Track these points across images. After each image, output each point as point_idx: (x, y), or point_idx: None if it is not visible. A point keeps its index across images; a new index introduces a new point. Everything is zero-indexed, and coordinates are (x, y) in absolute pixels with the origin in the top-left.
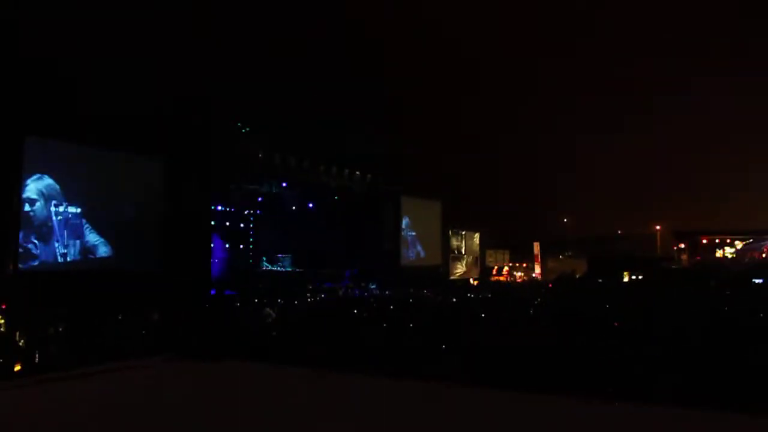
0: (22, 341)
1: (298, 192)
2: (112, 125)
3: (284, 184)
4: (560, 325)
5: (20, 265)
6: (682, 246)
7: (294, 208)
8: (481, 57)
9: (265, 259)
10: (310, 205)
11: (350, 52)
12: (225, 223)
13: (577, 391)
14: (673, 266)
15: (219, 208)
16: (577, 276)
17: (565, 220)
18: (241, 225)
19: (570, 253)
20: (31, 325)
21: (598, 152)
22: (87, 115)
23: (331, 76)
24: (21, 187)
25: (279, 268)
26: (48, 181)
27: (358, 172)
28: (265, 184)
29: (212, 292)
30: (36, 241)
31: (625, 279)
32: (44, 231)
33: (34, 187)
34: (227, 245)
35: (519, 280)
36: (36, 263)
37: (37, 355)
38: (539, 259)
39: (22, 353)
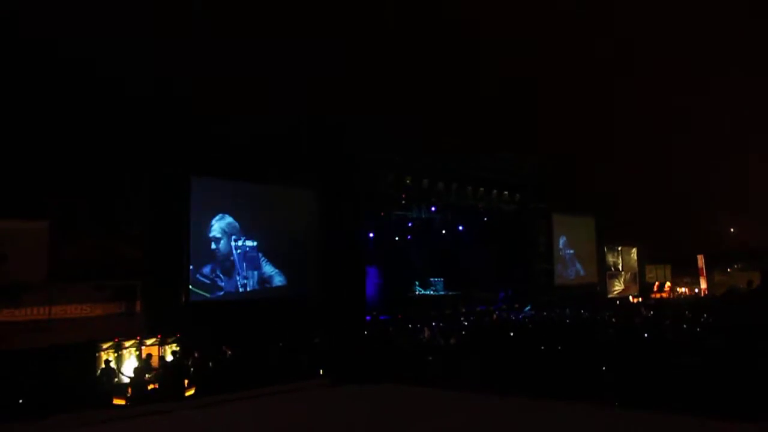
0: (193, 367)
1: (448, 216)
2: (264, 160)
3: (433, 209)
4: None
5: (208, 295)
6: None
7: (444, 231)
8: (626, 64)
9: (417, 283)
10: (460, 227)
11: (494, 72)
12: (378, 250)
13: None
14: None
15: (371, 235)
16: (748, 289)
17: (732, 229)
18: (393, 251)
19: (739, 266)
20: (202, 351)
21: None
22: (241, 152)
23: (475, 98)
24: (188, 223)
25: (432, 292)
26: (228, 219)
27: (506, 192)
28: (415, 210)
29: (368, 317)
30: (221, 275)
31: None
32: (227, 265)
33: (218, 226)
34: (380, 271)
35: (683, 296)
36: (221, 294)
37: (206, 379)
38: (704, 273)
39: (192, 378)
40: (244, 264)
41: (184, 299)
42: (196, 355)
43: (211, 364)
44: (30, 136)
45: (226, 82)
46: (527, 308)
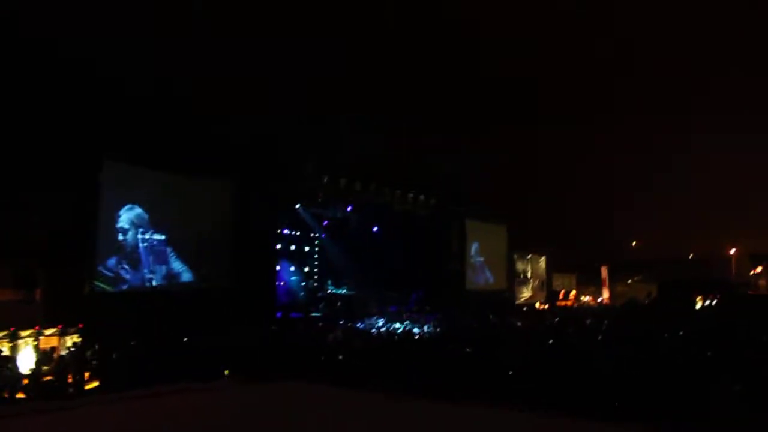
0: (94, 360)
1: (363, 215)
2: (182, 150)
3: (349, 208)
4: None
5: (111, 289)
6: (759, 270)
7: (359, 230)
8: (542, 73)
9: (330, 281)
10: (375, 228)
11: (414, 75)
12: (291, 247)
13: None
14: (750, 291)
15: (285, 231)
16: (647, 301)
17: (634, 243)
18: (307, 248)
19: (639, 278)
20: (103, 343)
21: (668, 171)
22: (158, 140)
23: (397, 99)
24: (96, 209)
25: (344, 291)
26: (138, 210)
27: (422, 196)
28: (331, 208)
29: (278, 314)
30: (127, 267)
31: (698, 305)
32: (134, 257)
33: (126, 217)
34: (293, 268)
35: (585, 305)
36: (125, 287)
37: (109, 373)
38: (607, 284)
39: (94, 371)
40: (151, 258)
41: (88, 288)
42: (97, 347)
43: (114, 356)
44: None
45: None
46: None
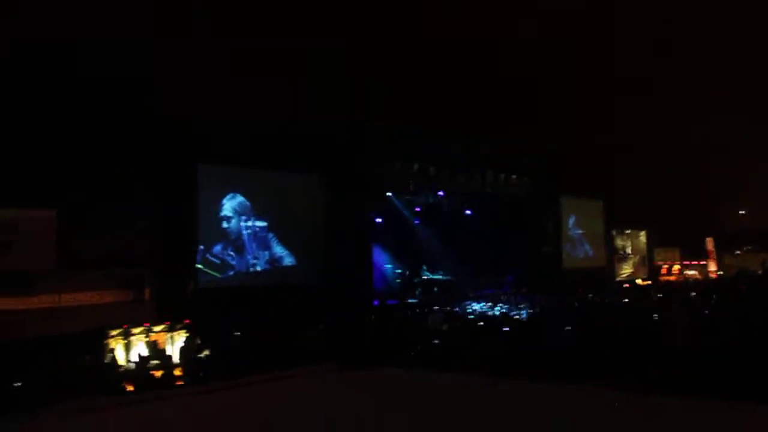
0: (203, 353)
1: (455, 200)
2: (273, 148)
3: (441, 193)
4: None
5: (219, 275)
6: None
7: (452, 215)
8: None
9: (425, 267)
10: (468, 212)
11: (497, 52)
12: (385, 235)
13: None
14: None
15: (378, 220)
16: (760, 271)
17: (742, 212)
18: (401, 235)
19: (749, 248)
20: (208, 337)
21: None
22: (250, 141)
23: (479, 80)
24: (197, 209)
25: (440, 276)
26: (240, 198)
27: (514, 176)
28: (422, 194)
29: (375, 302)
30: (232, 253)
31: None
32: (238, 244)
33: (229, 205)
34: (388, 256)
35: (692, 279)
36: (232, 273)
37: (214, 365)
38: (714, 256)
39: (203, 365)
40: (254, 244)
41: (192, 286)
42: (200, 341)
43: (219, 350)
44: (39, 130)
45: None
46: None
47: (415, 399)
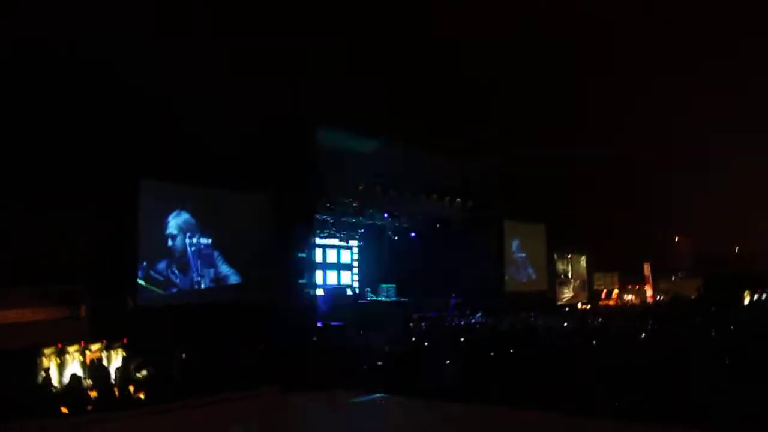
0: (142, 373)
1: (400, 222)
2: (217, 166)
3: (386, 215)
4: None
5: (161, 291)
6: None
7: (396, 238)
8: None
9: (369, 289)
10: (412, 234)
11: (445, 77)
12: (329, 256)
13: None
14: None
15: (323, 241)
16: (693, 297)
17: (677, 239)
18: (345, 257)
19: (683, 274)
20: (148, 356)
21: (708, 165)
22: (192, 157)
23: (427, 104)
24: (138, 227)
25: (384, 298)
26: (185, 216)
27: (458, 200)
28: (368, 215)
29: (318, 323)
30: (176, 271)
31: (746, 300)
32: (183, 262)
33: (174, 223)
34: (332, 277)
35: (629, 304)
36: (175, 290)
37: (152, 386)
38: (650, 281)
39: (142, 385)
40: (199, 261)
41: (132, 303)
42: (141, 361)
43: (157, 370)
44: None
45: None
46: (478, 315)
47: (360, 419)
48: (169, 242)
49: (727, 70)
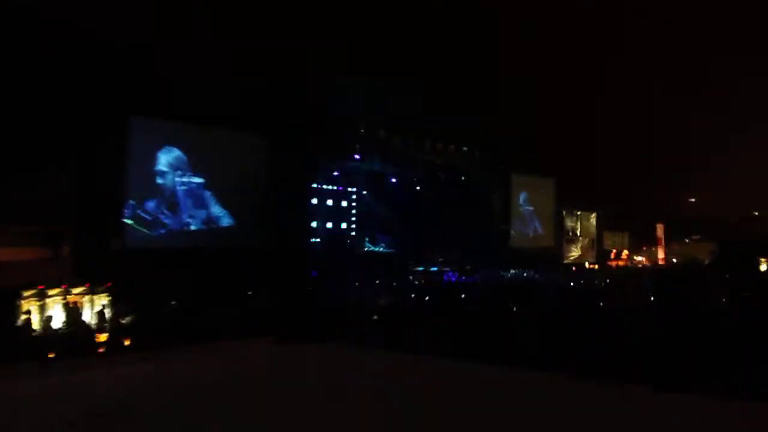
0: (127, 318)
1: (402, 170)
2: (212, 103)
3: (388, 162)
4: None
5: (149, 232)
6: None
7: (398, 186)
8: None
9: (367, 239)
10: (415, 183)
11: (459, 21)
12: (327, 202)
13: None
14: None
15: (321, 186)
16: (707, 262)
17: (693, 199)
18: (343, 204)
19: (698, 237)
20: (132, 303)
21: (728, 124)
22: (186, 94)
23: (436, 49)
24: (125, 160)
25: (381, 249)
26: (176, 152)
27: (465, 149)
28: (368, 162)
29: (314, 273)
30: (166, 211)
31: (763, 267)
32: (173, 201)
33: (164, 159)
34: (329, 224)
35: (640, 266)
36: (163, 231)
37: (142, 331)
38: (663, 243)
39: (128, 331)
40: (189, 201)
41: (118, 244)
42: (128, 306)
43: (146, 315)
44: None
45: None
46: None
47: (354, 375)
48: (159, 180)
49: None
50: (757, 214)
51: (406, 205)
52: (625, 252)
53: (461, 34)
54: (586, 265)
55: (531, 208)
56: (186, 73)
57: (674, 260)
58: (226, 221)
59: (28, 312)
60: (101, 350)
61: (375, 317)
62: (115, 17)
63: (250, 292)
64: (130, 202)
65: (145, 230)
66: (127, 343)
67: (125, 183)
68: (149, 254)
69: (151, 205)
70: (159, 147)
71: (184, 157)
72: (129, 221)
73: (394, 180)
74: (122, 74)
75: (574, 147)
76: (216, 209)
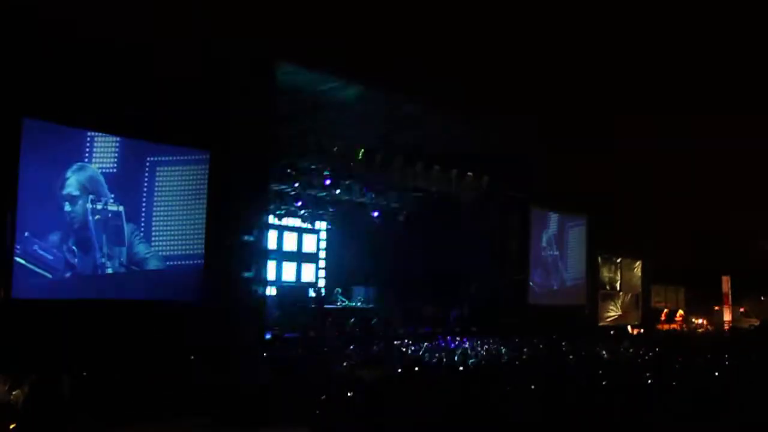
0: (12, 395)
1: (387, 200)
2: (132, 108)
3: (366, 189)
4: None
5: (50, 276)
6: None
7: (380, 221)
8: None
9: (339, 291)
10: (403, 218)
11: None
12: (287, 242)
13: None
14: None
15: (277, 221)
16: None
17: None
18: (309, 245)
19: None
20: (25, 374)
21: None
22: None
23: (436, 39)
24: (17, 183)
25: (359, 304)
26: (90, 171)
27: (470, 173)
28: (341, 189)
29: (267, 335)
30: (74, 248)
31: None
32: (84, 235)
33: (75, 179)
34: (290, 271)
35: (700, 330)
36: (69, 274)
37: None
38: (729, 300)
39: (20, 417)
40: (105, 236)
41: (2, 293)
42: (14, 378)
43: (40, 394)
44: None
45: None
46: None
47: None
48: (67, 206)
49: None
50: None
51: (390, 246)
52: (680, 312)
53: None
54: (629, 329)
55: (556, 253)
56: (103, 64)
57: (751, 322)
58: (153, 263)
59: None
60: None
61: (349, 394)
62: None
63: (181, 359)
64: (24, 234)
65: (43, 273)
66: (12, 428)
67: (15, 207)
68: (48, 307)
69: (54, 238)
70: (67, 163)
71: (101, 179)
72: (20, 260)
73: (373, 214)
74: (19, 63)
75: (611, 173)
76: (142, 247)
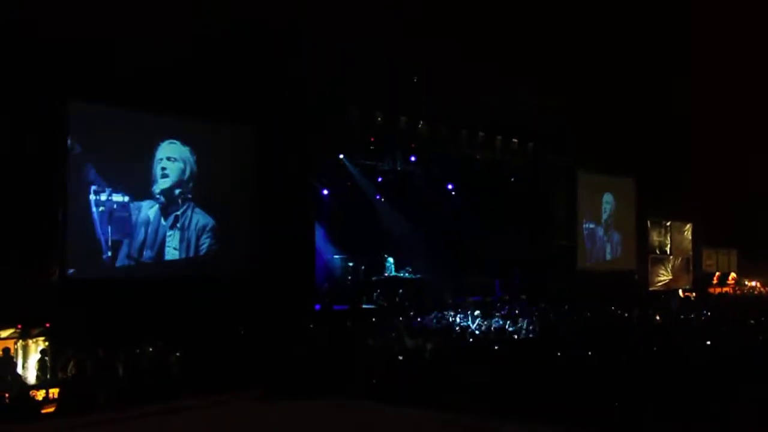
0: (72, 370)
1: (433, 168)
2: (184, 86)
3: (413, 158)
4: None
5: (105, 258)
6: None
7: (427, 190)
8: None
9: (392, 260)
10: (450, 186)
11: None
12: (334, 214)
13: None
14: None
15: (325, 192)
16: None
17: None
18: (356, 215)
19: None
20: (78, 350)
21: None
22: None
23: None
24: (66, 171)
25: (406, 275)
26: (177, 144)
27: (515, 140)
28: (388, 159)
29: (317, 306)
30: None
31: None
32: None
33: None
34: (337, 244)
35: (756, 292)
36: (126, 259)
37: (89, 389)
38: None
39: (71, 385)
40: (109, 228)
41: (57, 273)
42: (70, 354)
43: (91, 367)
44: None
45: None
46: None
47: None
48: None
49: None
50: None
51: (435, 215)
52: (733, 275)
53: None
54: (680, 293)
55: (604, 218)
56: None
57: None
58: (203, 241)
59: None
60: (48, 410)
61: (397, 365)
62: None
63: (230, 333)
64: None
65: (98, 255)
66: (70, 400)
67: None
68: (101, 286)
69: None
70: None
71: (187, 147)
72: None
73: (420, 182)
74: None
75: (659, 135)
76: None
